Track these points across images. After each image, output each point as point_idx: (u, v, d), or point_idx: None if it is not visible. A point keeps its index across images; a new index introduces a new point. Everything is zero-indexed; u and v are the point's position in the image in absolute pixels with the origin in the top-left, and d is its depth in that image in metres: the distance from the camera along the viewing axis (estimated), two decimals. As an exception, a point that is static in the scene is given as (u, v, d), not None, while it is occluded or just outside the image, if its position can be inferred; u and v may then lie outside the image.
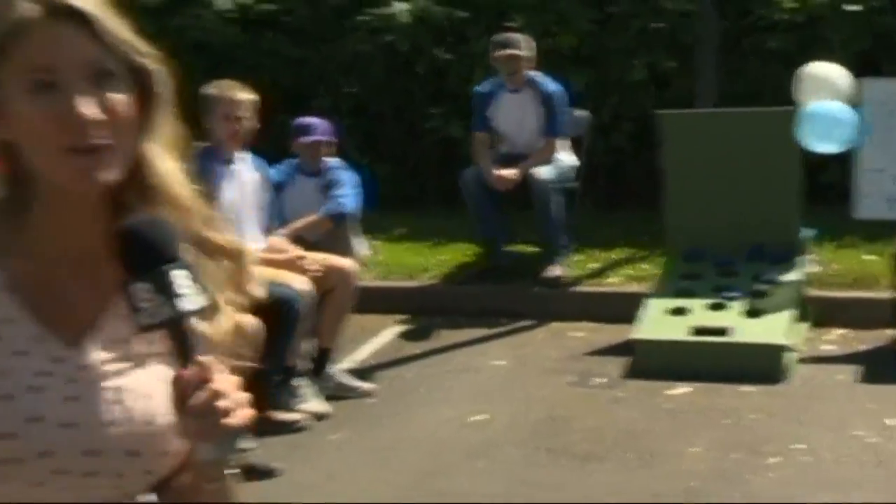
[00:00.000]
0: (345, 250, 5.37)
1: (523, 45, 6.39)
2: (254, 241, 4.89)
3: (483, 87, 6.61)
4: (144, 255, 1.13)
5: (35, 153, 1.14)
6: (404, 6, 7.85)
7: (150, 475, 1.21)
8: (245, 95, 4.99)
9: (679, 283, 5.92)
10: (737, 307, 5.51)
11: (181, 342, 1.12)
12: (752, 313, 5.50)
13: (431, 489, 4.35)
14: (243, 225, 4.92)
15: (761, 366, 5.18)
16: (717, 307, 5.50)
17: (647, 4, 7.61)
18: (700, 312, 5.48)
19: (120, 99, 1.14)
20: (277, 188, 5.33)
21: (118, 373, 1.20)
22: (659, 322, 5.51)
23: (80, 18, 1.14)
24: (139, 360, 1.21)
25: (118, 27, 1.17)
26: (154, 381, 1.19)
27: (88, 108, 1.10)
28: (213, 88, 4.99)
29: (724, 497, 4.13)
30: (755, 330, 5.38)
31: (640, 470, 4.37)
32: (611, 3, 7.69)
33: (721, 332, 5.29)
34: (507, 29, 6.92)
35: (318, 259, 5.05)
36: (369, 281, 6.12)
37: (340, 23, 8.14)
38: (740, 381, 5.07)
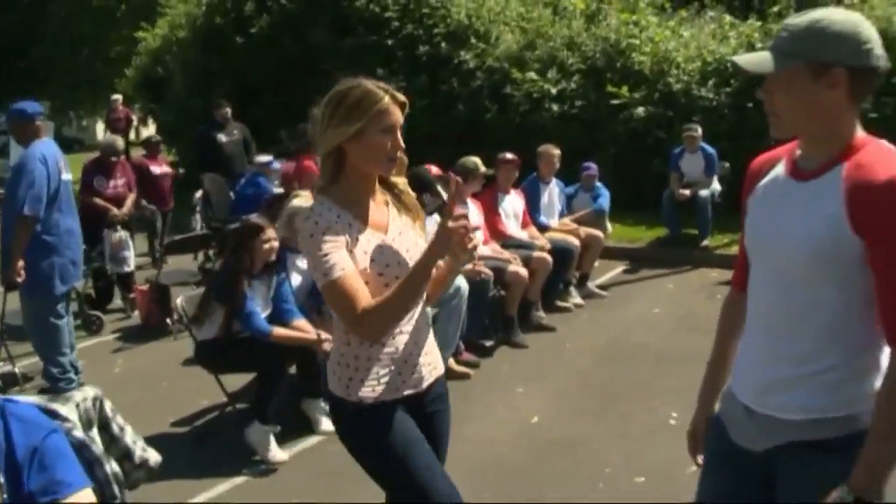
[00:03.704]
0: (599, 227, 7.48)
1: (698, 130, 8.87)
2: (554, 222, 7.05)
3: (676, 150, 9.05)
4: (420, 183, 2.81)
5: (370, 159, 2.03)
6: (640, 109, 10.55)
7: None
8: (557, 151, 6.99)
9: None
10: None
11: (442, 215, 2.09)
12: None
13: (628, 340, 5.99)
14: (550, 213, 7.09)
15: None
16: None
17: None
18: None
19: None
20: (569, 197, 7.62)
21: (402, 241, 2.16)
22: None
23: (402, 105, 2.08)
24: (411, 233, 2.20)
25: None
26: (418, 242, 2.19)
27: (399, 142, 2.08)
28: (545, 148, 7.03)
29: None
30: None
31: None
32: (746, 110, 9.53)
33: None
34: (691, 121, 9.49)
35: (584, 230, 7.14)
36: (608, 243, 7.83)
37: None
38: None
